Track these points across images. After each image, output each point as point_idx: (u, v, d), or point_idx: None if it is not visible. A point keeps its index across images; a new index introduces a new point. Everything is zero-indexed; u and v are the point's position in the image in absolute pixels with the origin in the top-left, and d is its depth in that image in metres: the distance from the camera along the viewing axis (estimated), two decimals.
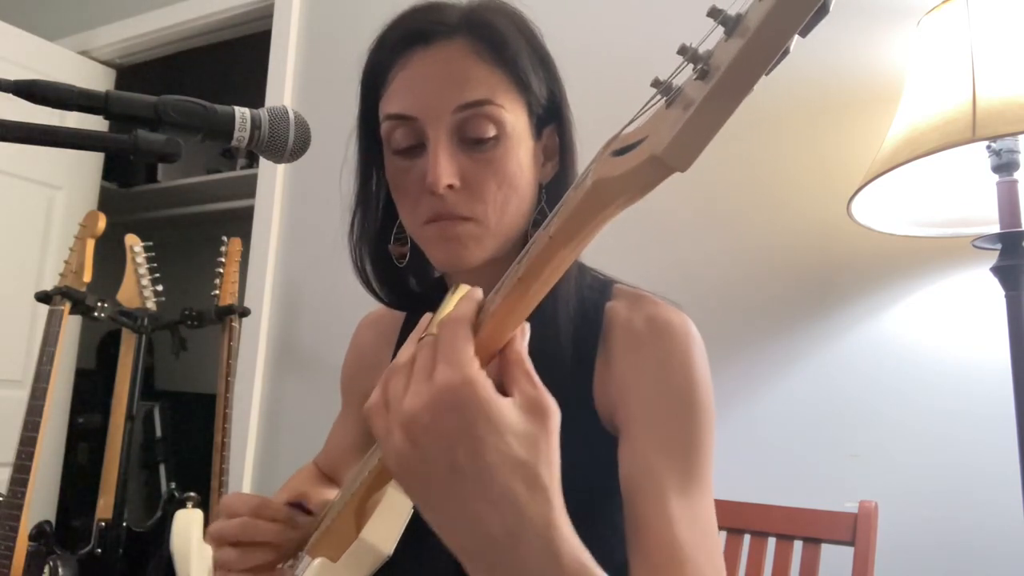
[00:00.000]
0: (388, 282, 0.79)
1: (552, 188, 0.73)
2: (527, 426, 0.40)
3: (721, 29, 0.32)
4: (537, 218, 0.72)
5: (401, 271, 0.78)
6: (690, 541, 0.57)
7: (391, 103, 0.68)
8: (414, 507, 0.43)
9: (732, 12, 0.32)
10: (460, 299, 0.44)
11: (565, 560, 0.39)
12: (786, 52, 0.31)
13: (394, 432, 0.40)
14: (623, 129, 0.39)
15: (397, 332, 0.86)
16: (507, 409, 0.39)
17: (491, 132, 0.66)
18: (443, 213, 0.66)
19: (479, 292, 0.45)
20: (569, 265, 0.42)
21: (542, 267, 0.40)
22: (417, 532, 0.46)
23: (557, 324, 0.68)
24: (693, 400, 0.64)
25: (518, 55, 0.68)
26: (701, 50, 0.33)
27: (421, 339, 0.43)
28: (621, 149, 0.37)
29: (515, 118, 0.67)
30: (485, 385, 0.39)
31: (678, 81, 0.35)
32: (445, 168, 0.64)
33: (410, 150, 0.67)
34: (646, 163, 0.34)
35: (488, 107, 0.65)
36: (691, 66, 0.33)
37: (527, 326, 0.45)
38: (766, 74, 0.31)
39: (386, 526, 0.51)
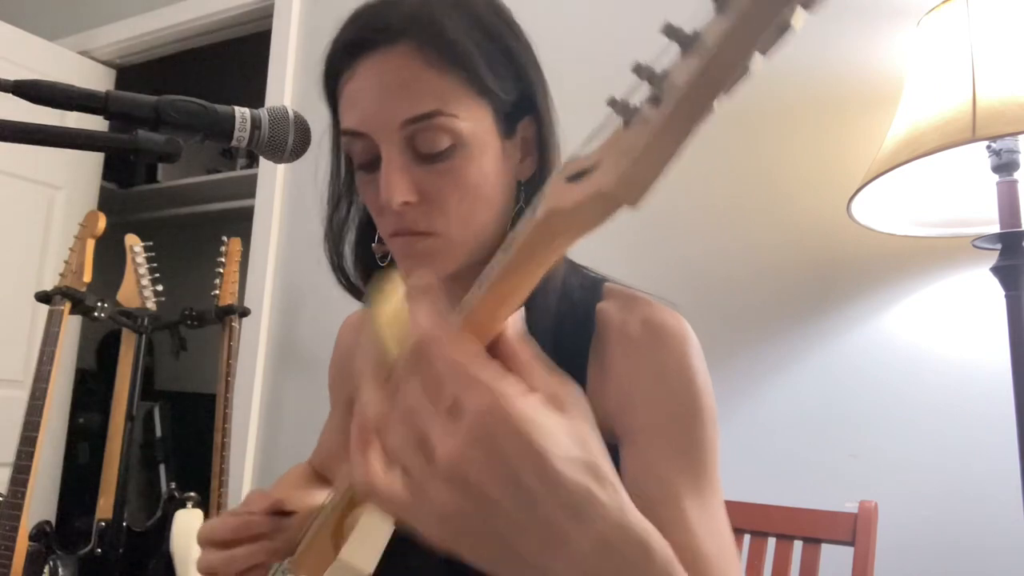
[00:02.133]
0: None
1: (531, 185, 0.69)
2: (568, 421, 0.35)
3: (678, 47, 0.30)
4: (516, 216, 0.68)
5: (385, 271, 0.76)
6: (709, 545, 0.57)
7: (344, 117, 0.64)
8: (406, 526, 0.40)
9: (688, 30, 0.29)
10: (421, 311, 0.36)
11: (653, 545, 0.36)
12: (746, 71, 0.28)
13: (432, 492, 0.34)
14: (582, 147, 0.36)
15: None
16: (548, 410, 0.35)
17: (445, 143, 0.61)
18: (401, 229, 0.63)
19: (431, 286, 0.37)
20: (535, 283, 0.38)
21: (503, 289, 0.37)
22: (402, 543, 0.45)
23: (535, 335, 0.67)
24: (696, 404, 0.63)
25: (470, 55, 0.62)
26: (657, 69, 0.30)
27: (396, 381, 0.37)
28: (575, 175, 0.34)
29: (473, 123, 0.62)
30: (517, 392, 0.34)
31: (636, 100, 0.32)
32: (397, 186, 0.61)
33: (369, 164, 0.64)
34: (594, 198, 0.32)
35: (438, 119, 0.61)
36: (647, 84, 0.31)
37: (520, 314, 0.40)
38: (725, 93, 0.29)
39: (364, 546, 0.50)
